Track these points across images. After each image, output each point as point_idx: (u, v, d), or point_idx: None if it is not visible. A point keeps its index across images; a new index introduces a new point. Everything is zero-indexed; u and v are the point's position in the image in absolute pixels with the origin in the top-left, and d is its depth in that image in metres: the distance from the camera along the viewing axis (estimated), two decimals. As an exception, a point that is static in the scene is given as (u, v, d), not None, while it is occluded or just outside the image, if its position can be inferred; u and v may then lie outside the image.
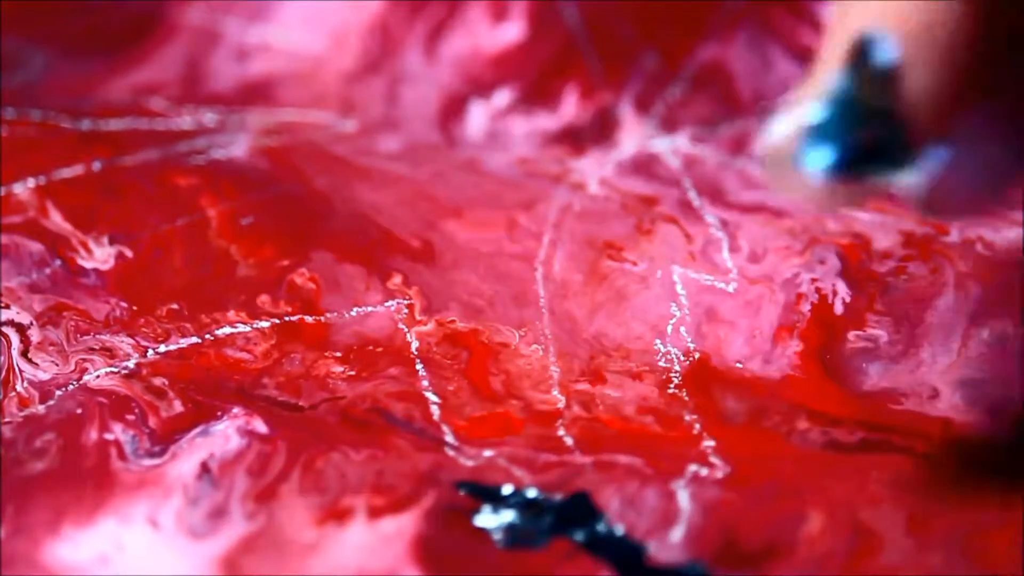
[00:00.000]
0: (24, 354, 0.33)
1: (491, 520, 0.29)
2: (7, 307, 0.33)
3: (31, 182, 0.37)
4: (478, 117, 0.42)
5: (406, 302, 0.34)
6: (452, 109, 0.42)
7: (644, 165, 0.39)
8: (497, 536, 0.29)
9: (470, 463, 0.30)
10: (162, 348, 0.33)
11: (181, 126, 0.40)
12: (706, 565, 0.28)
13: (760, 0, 0.42)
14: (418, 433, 0.31)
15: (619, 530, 0.29)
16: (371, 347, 0.33)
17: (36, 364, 0.32)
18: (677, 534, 0.29)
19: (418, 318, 0.34)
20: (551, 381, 0.33)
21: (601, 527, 0.29)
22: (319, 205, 0.37)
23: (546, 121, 0.41)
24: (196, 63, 0.43)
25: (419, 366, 0.33)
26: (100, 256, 0.35)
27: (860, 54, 0.26)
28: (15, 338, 0.33)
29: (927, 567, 0.28)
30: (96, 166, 0.38)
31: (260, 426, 0.31)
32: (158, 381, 0.32)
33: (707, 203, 0.37)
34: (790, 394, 0.32)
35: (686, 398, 0.32)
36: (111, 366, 0.33)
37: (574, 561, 0.28)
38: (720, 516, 0.29)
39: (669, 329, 0.34)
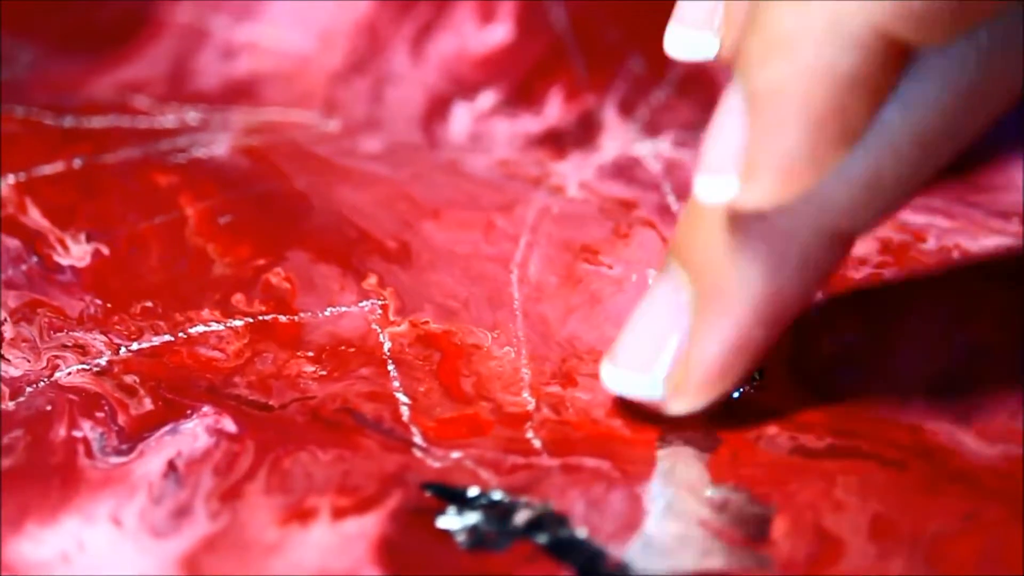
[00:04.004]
0: (-4, 350, 0.33)
1: (455, 522, 0.29)
2: (-20, 304, 0.34)
3: (11, 178, 0.37)
4: (462, 118, 0.42)
5: (380, 303, 0.34)
6: (436, 110, 0.42)
7: (625, 169, 0.39)
8: (460, 538, 0.29)
9: (437, 464, 0.30)
10: (135, 346, 0.33)
11: (164, 124, 0.40)
12: (667, 567, 0.28)
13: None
14: (387, 434, 0.31)
15: (582, 533, 0.29)
16: (343, 347, 0.33)
17: (8, 360, 0.33)
18: (641, 538, 0.29)
19: (392, 319, 0.34)
20: (522, 383, 0.33)
21: (564, 530, 0.29)
22: (297, 205, 0.37)
23: (529, 123, 0.41)
24: (182, 61, 0.43)
25: (391, 367, 0.33)
26: (77, 253, 0.35)
27: None
28: (-12, 334, 0.33)
29: (889, 573, 0.28)
30: (77, 163, 0.38)
31: (229, 425, 0.31)
32: (129, 379, 0.32)
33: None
34: (760, 399, 0.32)
35: (656, 402, 0.32)
36: (83, 363, 0.33)
37: (535, 563, 0.28)
38: (685, 520, 0.29)
39: (642, 333, 0.34)
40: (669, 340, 0.30)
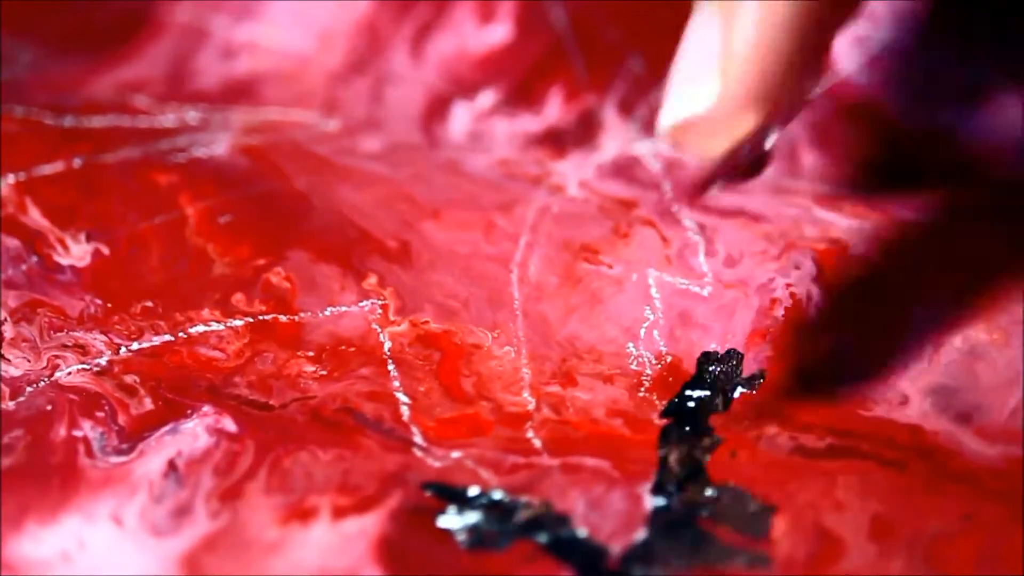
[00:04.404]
0: (-3, 350, 0.33)
1: (455, 521, 0.29)
2: (-18, 303, 0.34)
3: (11, 178, 0.37)
4: (461, 118, 0.42)
5: (380, 302, 0.34)
6: (436, 110, 0.42)
7: (624, 168, 0.39)
8: (460, 537, 0.29)
9: (437, 464, 0.30)
10: (135, 346, 0.33)
11: (164, 124, 0.40)
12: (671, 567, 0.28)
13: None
14: (387, 433, 0.31)
15: (582, 532, 0.29)
16: (344, 347, 0.33)
17: (8, 360, 0.33)
18: (641, 537, 0.29)
19: (392, 319, 0.34)
20: (522, 383, 0.33)
21: (564, 530, 0.29)
22: (298, 204, 0.37)
23: (529, 123, 0.41)
24: (182, 61, 0.43)
25: (391, 367, 0.33)
26: (77, 253, 0.35)
27: None
28: (-11, 334, 0.33)
29: (888, 573, 0.28)
30: (77, 163, 0.38)
31: (229, 425, 0.31)
32: (129, 378, 0.32)
33: (685, 207, 0.37)
34: (761, 399, 0.32)
35: (656, 401, 0.32)
36: (83, 363, 0.33)
37: (535, 563, 0.28)
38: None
39: (642, 333, 0.34)
40: (710, 49, 0.28)
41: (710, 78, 0.29)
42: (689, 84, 0.29)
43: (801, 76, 0.29)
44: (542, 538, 0.29)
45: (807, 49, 0.29)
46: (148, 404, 0.32)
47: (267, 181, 0.38)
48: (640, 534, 0.29)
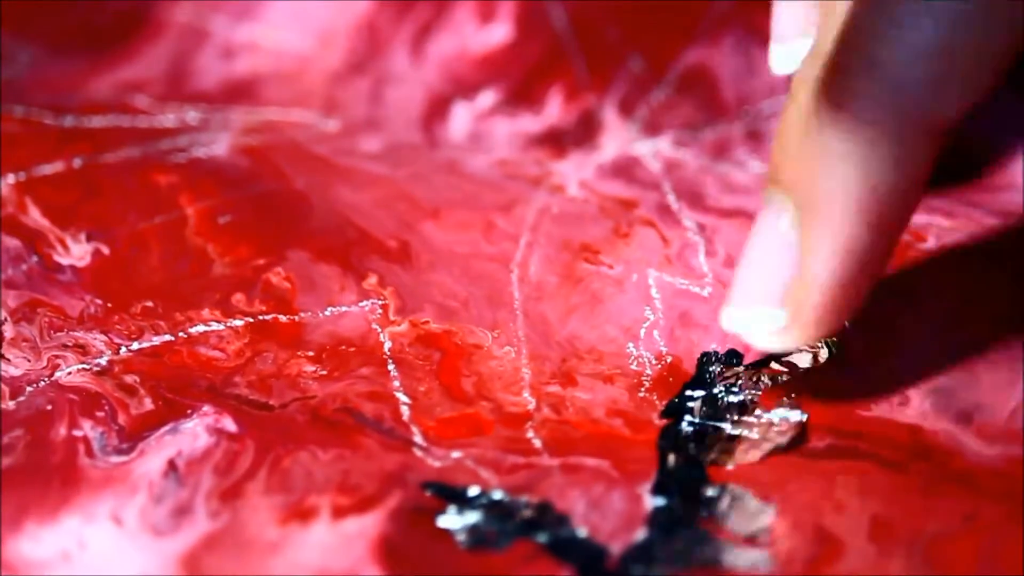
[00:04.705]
0: (-4, 350, 0.33)
1: (455, 521, 0.29)
2: (-19, 303, 0.34)
3: (11, 178, 0.37)
4: (461, 118, 0.42)
5: (380, 302, 0.34)
6: (436, 110, 0.42)
7: (625, 168, 0.39)
8: (460, 537, 0.29)
9: (437, 464, 0.30)
10: (135, 345, 0.33)
11: (164, 124, 0.40)
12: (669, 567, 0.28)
13: (747, 4, 0.42)
14: (387, 433, 0.31)
15: (582, 532, 0.29)
16: (344, 347, 0.33)
17: (8, 360, 0.33)
18: (641, 537, 0.29)
19: (392, 319, 0.34)
20: (522, 383, 0.33)
21: (564, 530, 0.29)
22: (297, 205, 0.37)
23: (529, 123, 0.41)
24: (182, 61, 0.43)
25: (391, 366, 0.33)
26: (77, 253, 0.35)
27: None
28: (-12, 334, 0.33)
29: (888, 574, 0.28)
30: (77, 163, 0.38)
31: (229, 424, 0.31)
32: (129, 378, 0.32)
33: (686, 207, 0.37)
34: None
35: (656, 402, 0.32)
36: (83, 363, 0.33)
37: (535, 563, 0.28)
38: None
39: (642, 333, 0.34)
40: (781, 266, 0.29)
41: (778, 303, 0.29)
42: (752, 300, 0.29)
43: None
44: (542, 538, 0.29)
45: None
46: (148, 404, 0.32)
47: (267, 181, 0.38)
48: (640, 534, 0.29)
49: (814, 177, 0.28)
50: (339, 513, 0.29)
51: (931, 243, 0.35)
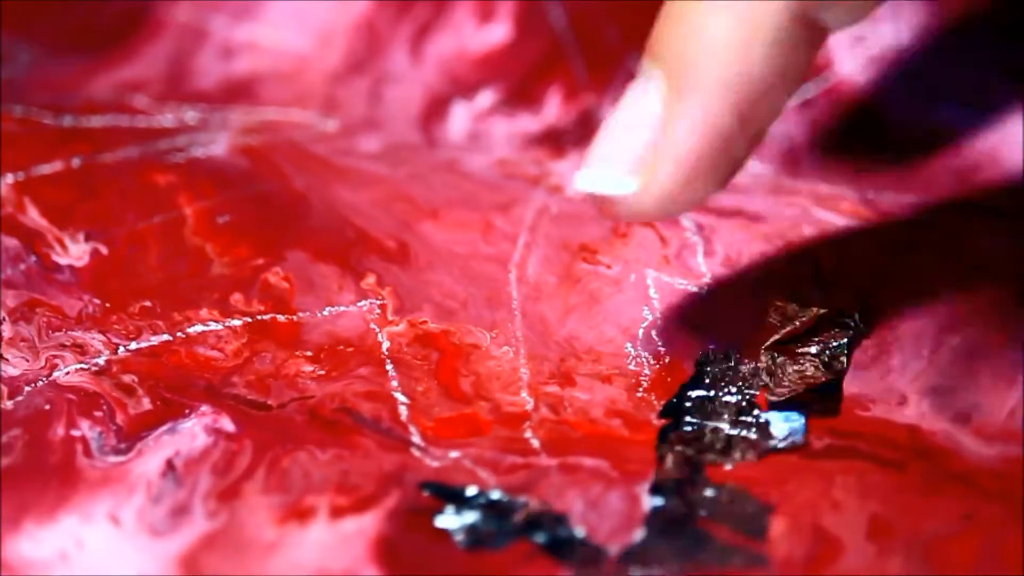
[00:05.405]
0: (-5, 350, 0.33)
1: (453, 521, 0.29)
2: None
3: (10, 178, 0.37)
4: (460, 118, 0.42)
5: (379, 302, 0.34)
6: (435, 110, 0.42)
7: (623, 168, 0.39)
8: (458, 537, 0.29)
9: (435, 464, 0.30)
10: (133, 345, 0.33)
11: (163, 124, 0.40)
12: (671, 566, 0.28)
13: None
14: (385, 433, 0.31)
15: (580, 532, 0.29)
16: (342, 347, 0.33)
17: (7, 360, 0.33)
18: (639, 537, 0.29)
19: (390, 318, 0.34)
20: (520, 383, 0.33)
21: (562, 529, 0.29)
22: (296, 204, 0.37)
23: (528, 123, 0.41)
24: (181, 60, 0.43)
25: (389, 366, 0.33)
26: (75, 253, 0.35)
27: None
28: (-14, 334, 0.33)
29: (887, 573, 0.28)
30: (75, 163, 0.38)
31: (227, 424, 0.31)
32: (127, 378, 0.32)
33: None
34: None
35: (655, 402, 0.32)
36: (81, 363, 0.33)
37: (533, 563, 0.28)
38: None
39: (641, 333, 0.34)
40: (642, 135, 0.28)
41: (631, 169, 0.29)
42: (607, 163, 0.29)
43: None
44: (540, 538, 0.29)
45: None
46: (146, 404, 0.32)
47: (266, 181, 0.38)
48: (638, 534, 0.29)
49: (688, 55, 0.28)
50: (337, 513, 0.29)
51: (928, 243, 0.35)
